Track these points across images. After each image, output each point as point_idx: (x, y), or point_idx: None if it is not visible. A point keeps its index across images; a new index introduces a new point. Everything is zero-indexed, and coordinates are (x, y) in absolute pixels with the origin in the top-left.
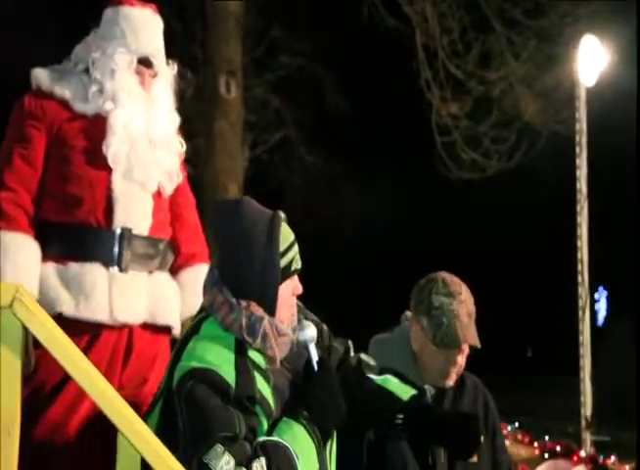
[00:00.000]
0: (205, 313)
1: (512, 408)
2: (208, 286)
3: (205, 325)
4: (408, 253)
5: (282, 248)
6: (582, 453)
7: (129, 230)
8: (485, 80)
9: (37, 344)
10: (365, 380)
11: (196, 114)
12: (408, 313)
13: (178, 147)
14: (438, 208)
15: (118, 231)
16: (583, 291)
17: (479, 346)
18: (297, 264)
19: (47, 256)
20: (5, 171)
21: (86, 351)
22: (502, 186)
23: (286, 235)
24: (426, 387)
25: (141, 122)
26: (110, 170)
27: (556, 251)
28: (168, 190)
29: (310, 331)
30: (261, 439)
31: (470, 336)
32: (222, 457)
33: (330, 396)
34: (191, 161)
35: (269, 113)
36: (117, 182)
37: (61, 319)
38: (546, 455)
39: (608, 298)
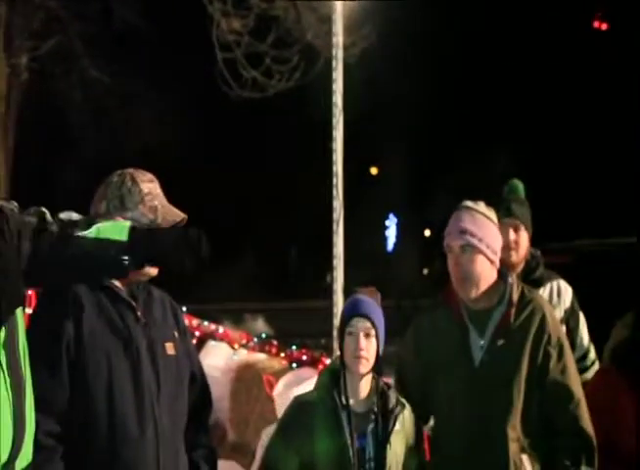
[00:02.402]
0: None
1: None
2: None
3: None
4: (193, 171)
5: None
6: (328, 361)
7: None
8: None
9: None
10: (74, 239)
11: None
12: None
13: None
14: (222, 126)
15: None
16: (337, 204)
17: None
18: None
19: None
20: None
21: None
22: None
23: None
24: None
25: None
26: None
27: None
28: None
29: None
30: None
31: None
32: None
33: None
34: None
35: (47, 18)
36: None
37: None
38: (294, 365)
39: (398, 225)
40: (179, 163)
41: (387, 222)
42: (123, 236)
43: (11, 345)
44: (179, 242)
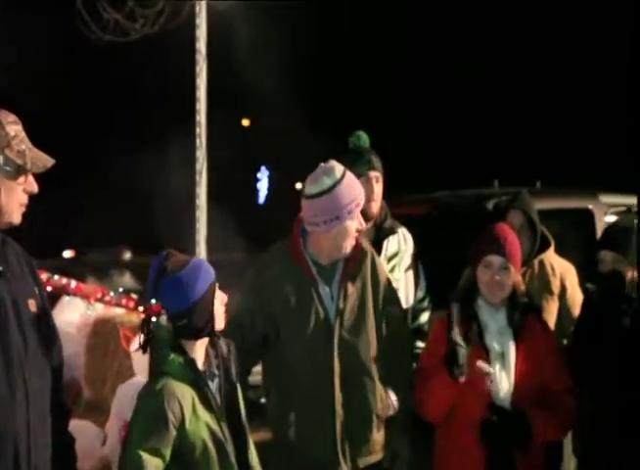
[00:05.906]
0: None
1: None
2: None
3: None
4: (52, 118)
5: None
6: None
7: None
8: None
9: None
10: None
11: None
12: None
13: None
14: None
15: None
16: (200, 154)
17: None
18: None
19: None
20: None
21: None
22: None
23: None
24: None
25: None
26: None
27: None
28: None
29: None
30: None
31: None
32: None
33: None
34: None
35: None
36: None
37: None
38: (154, 320)
39: (270, 177)
40: (37, 108)
41: (258, 175)
42: None
43: None
44: None
